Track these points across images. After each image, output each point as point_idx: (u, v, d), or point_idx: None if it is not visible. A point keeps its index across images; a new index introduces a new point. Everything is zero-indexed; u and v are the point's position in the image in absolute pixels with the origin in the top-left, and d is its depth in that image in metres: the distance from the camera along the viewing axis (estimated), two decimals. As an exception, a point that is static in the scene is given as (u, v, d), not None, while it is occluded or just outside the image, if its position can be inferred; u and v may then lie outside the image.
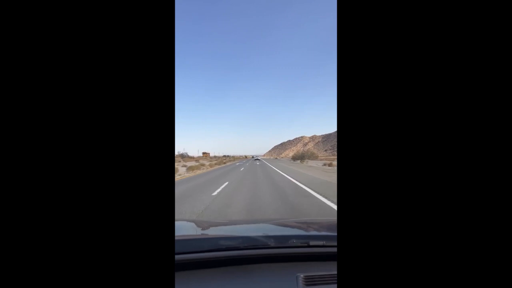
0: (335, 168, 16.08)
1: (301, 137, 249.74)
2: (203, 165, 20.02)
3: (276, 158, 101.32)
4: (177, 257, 0.79)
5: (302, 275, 0.75)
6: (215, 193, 5.64)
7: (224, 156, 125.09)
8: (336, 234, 0.97)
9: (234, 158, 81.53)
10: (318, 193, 5.46)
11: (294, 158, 45.42)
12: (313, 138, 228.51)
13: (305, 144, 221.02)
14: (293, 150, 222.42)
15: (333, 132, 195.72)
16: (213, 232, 1.24)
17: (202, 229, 1.32)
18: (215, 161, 33.66)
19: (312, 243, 0.91)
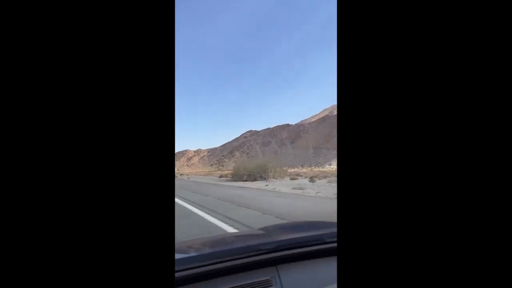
0: None
1: (185, 150, 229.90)
2: None
3: (181, 175, 36.24)
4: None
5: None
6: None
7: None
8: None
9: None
10: None
11: (238, 175, 20.85)
12: (198, 152, 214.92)
13: (190, 159, 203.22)
14: (176, 165, 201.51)
15: (218, 147, 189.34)
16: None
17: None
18: None
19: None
